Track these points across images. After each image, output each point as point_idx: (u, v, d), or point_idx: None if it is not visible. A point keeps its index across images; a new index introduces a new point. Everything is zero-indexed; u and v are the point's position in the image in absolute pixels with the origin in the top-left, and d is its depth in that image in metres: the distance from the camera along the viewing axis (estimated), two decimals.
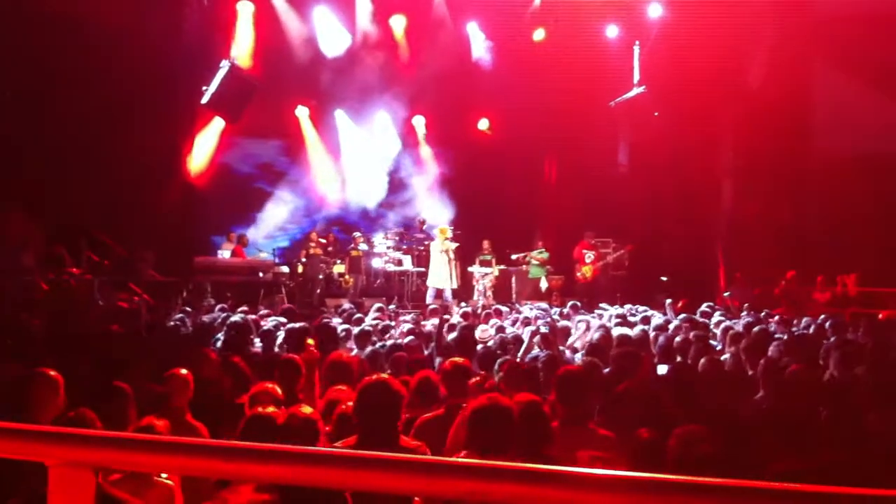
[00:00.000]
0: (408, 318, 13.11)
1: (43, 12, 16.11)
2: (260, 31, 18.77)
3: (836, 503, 1.61)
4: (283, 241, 20.84)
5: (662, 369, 7.16)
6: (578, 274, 19.41)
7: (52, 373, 4.95)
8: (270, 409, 4.45)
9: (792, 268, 17.42)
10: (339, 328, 10.00)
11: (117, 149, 15.57)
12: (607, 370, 6.76)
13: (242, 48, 17.50)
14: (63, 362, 6.64)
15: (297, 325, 8.63)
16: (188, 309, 13.21)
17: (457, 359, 5.59)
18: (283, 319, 10.82)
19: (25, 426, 2.18)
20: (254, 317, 11.70)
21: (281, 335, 8.95)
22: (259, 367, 6.96)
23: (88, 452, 2.05)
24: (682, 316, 11.95)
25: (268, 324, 10.49)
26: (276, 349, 8.49)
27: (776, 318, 12.06)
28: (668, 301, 13.58)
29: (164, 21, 17.24)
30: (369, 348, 8.22)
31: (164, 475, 4.25)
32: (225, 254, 18.28)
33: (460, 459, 1.78)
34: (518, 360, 7.09)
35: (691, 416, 5.05)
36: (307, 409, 4.24)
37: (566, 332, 10.16)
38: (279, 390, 5.27)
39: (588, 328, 10.49)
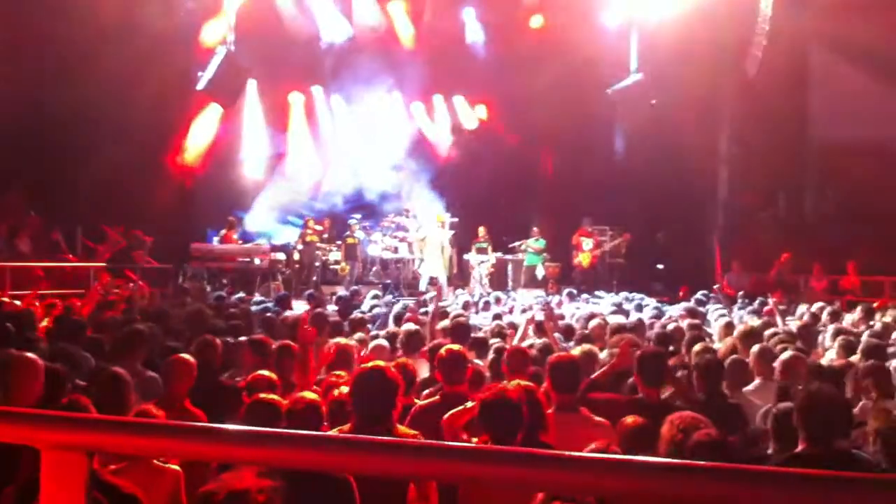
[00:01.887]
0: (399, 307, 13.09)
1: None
2: (256, 17, 18.68)
3: (835, 488, 1.60)
4: (284, 230, 20.73)
5: None
6: (575, 261, 19.44)
7: (31, 356, 4.92)
8: (272, 396, 4.45)
9: (793, 261, 17.47)
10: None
11: (113, 135, 15.55)
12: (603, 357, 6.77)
13: (238, 34, 17.43)
14: (63, 349, 6.66)
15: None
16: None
17: (453, 346, 5.56)
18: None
19: (16, 409, 2.17)
20: None
21: None
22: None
23: (81, 436, 2.04)
24: (682, 304, 11.98)
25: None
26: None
27: (771, 303, 12.01)
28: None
29: (160, 7, 17.17)
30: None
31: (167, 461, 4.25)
32: (215, 239, 18.26)
33: (458, 443, 1.78)
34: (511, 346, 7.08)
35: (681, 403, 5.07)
36: (311, 395, 4.26)
37: (562, 320, 10.15)
38: (275, 376, 5.28)
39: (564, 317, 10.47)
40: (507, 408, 4.14)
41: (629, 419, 4.52)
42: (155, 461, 4.19)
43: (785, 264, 17.48)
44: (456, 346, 5.55)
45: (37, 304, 10.32)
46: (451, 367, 5.30)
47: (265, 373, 5.32)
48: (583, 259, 19.36)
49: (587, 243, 19.36)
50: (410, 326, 8.68)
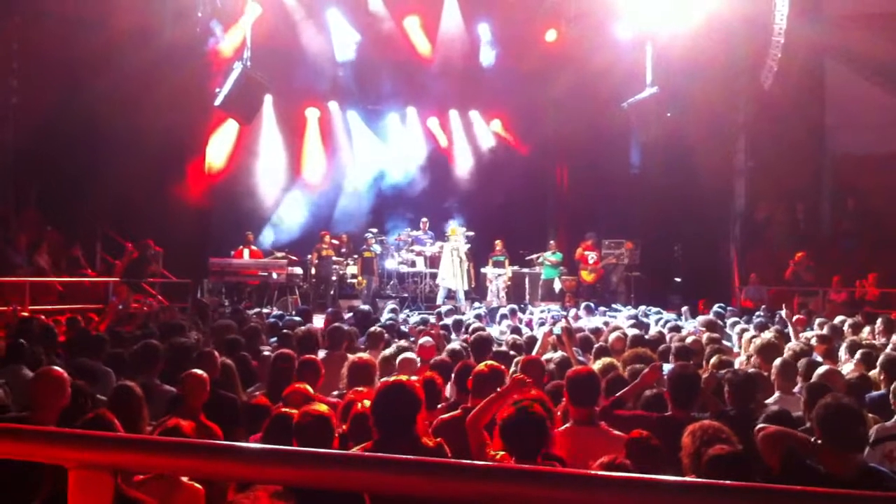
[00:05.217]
0: (417, 319, 13.12)
1: (56, 14, 16.23)
2: (271, 32, 18.77)
3: None
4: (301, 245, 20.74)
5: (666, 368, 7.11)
6: (582, 277, 19.53)
7: (57, 371, 4.95)
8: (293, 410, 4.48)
9: (808, 259, 17.40)
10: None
11: (132, 151, 15.64)
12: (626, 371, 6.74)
13: (254, 50, 17.52)
14: (84, 364, 6.71)
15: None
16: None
17: (492, 362, 5.60)
18: None
19: (45, 428, 2.20)
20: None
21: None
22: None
23: (107, 455, 2.06)
24: (699, 318, 11.93)
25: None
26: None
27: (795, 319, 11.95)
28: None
29: (177, 23, 17.30)
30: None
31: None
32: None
33: (481, 462, 1.79)
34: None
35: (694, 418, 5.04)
36: (321, 407, 4.27)
37: (579, 333, 10.12)
38: (311, 390, 5.34)
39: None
40: (532, 425, 4.15)
41: (637, 433, 4.51)
42: (178, 476, 4.20)
43: (800, 262, 17.39)
44: (495, 363, 5.60)
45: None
46: (487, 381, 5.31)
47: (302, 386, 5.38)
48: (585, 274, 19.42)
49: (591, 257, 19.37)
50: (428, 340, 8.72)
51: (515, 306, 14.88)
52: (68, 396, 4.82)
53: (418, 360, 7.46)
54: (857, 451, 4.16)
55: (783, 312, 11.20)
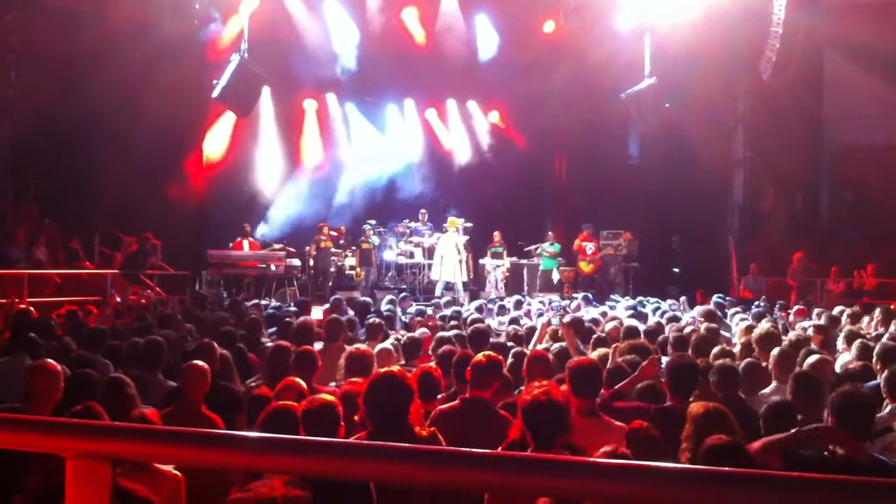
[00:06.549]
0: (414, 310, 13.12)
1: (53, 7, 16.19)
2: (269, 23, 18.72)
3: (860, 494, 1.60)
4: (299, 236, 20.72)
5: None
6: (580, 267, 19.56)
7: (52, 364, 4.97)
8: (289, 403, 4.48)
9: (806, 259, 17.38)
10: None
11: (130, 143, 15.62)
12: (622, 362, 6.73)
13: (251, 41, 17.48)
14: (83, 356, 6.71)
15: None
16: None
17: (490, 353, 5.59)
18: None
19: (42, 418, 2.19)
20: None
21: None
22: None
23: (105, 444, 2.05)
24: (697, 308, 11.93)
25: None
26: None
27: (793, 309, 11.98)
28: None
29: (174, 15, 17.26)
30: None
31: (170, 466, 4.25)
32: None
33: (480, 451, 1.78)
34: (530, 350, 7.07)
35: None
36: (327, 396, 4.27)
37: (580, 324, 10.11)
38: (304, 385, 5.33)
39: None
40: (552, 409, 4.15)
41: (638, 424, 4.51)
42: (155, 465, 4.17)
43: (798, 264, 17.37)
44: (493, 354, 5.58)
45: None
46: (485, 372, 5.29)
47: (295, 381, 5.37)
48: (583, 265, 19.41)
49: (590, 248, 19.38)
50: (424, 332, 8.72)
51: (521, 297, 14.87)
52: (62, 390, 4.86)
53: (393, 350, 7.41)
54: (868, 438, 4.17)
55: (778, 310, 11.23)
